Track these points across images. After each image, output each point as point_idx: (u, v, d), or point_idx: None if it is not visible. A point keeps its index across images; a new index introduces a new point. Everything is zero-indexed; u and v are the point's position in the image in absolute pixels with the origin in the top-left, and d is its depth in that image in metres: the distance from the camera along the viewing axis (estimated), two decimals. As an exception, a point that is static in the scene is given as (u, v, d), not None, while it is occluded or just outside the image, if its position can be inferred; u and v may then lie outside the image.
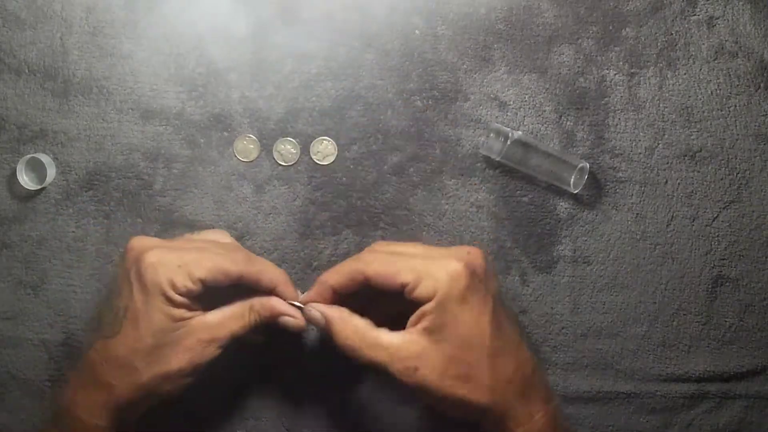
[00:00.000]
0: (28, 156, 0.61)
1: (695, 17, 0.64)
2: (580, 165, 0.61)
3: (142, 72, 0.62)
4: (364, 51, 0.63)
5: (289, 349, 0.62)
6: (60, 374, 0.61)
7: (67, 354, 0.61)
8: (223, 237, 0.59)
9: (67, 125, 0.62)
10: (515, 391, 0.52)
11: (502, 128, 0.61)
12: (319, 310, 0.55)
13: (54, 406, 0.56)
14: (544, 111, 0.63)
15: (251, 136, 0.62)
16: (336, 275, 0.55)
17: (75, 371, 0.55)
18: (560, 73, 0.63)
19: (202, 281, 0.53)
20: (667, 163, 0.63)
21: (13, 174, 0.61)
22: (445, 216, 0.62)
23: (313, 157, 0.62)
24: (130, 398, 0.53)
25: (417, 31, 0.63)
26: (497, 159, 0.62)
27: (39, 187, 0.61)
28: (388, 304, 0.55)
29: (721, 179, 0.63)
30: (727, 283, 0.63)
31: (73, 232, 0.61)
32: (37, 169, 0.61)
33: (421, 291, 0.52)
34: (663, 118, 0.63)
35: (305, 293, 0.56)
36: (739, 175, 0.63)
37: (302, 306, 0.56)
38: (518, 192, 0.63)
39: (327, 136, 0.62)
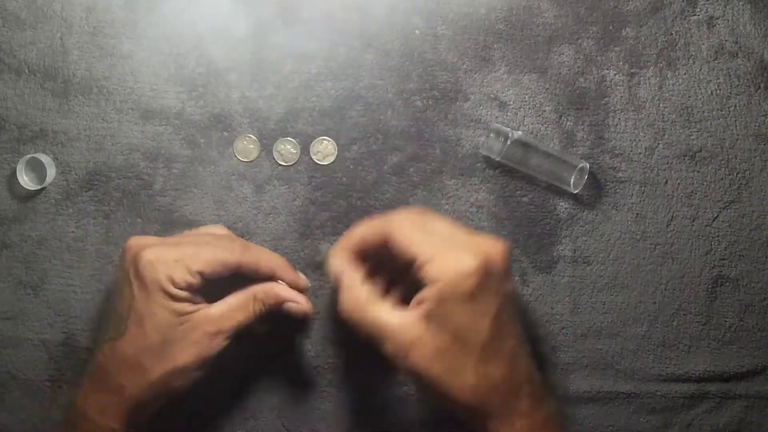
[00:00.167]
0: (28, 156, 0.61)
1: (695, 17, 0.64)
2: (580, 165, 0.61)
3: (142, 72, 0.62)
4: (364, 51, 0.63)
5: (290, 348, 0.62)
6: (60, 374, 0.61)
7: (67, 354, 0.61)
8: (219, 230, 0.59)
9: (67, 125, 0.62)
10: (500, 397, 0.52)
11: (502, 128, 0.61)
12: (337, 268, 0.55)
13: (67, 409, 0.56)
14: (544, 111, 0.63)
15: (251, 136, 0.62)
16: (367, 229, 0.55)
17: (87, 375, 0.55)
18: (560, 73, 0.63)
19: (201, 273, 0.53)
20: (667, 163, 0.63)
21: (13, 174, 0.61)
22: (446, 216, 0.62)
23: (313, 157, 0.62)
24: (142, 397, 0.53)
25: (417, 31, 0.63)
26: (497, 159, 0.62)
27: (39, 187, 0.61)
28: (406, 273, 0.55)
29: (721, 179, 0.63)
30: (727, 283, 0.63)
31: (73, 232, 0.61)
32: (37, 169, 0.61)
33: (427, 272, 0.51)
34: (663, 118, 0.63)
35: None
36: (739, 175, 0.63)
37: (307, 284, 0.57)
38: (518, 192, 0.63)
39: (327, 136, 0.62)
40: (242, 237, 0.62)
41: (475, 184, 0.63)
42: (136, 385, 0.53)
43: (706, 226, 0.63)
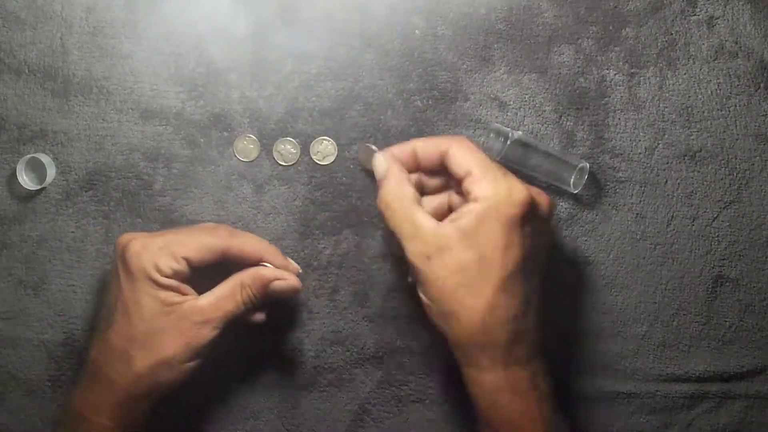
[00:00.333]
0: (28, 156, 0.61)
1: (695, 17, 0.64)
2: (580, 165, 0.61)
3: (142, 72, 0.62)
4: (364, 51, 0.63)
5: (289, 348, 0.62)
6: (60, 374, 0.61)
7: (67, 354, 0.61)
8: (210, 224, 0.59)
9: (67, 125, 0.62)
10: (503, 334, 0.51)
11: (502, 128, 0.61)
12: (387, 160, 0.55)
13: (62, 407, 0.56)
14: (544, 111, 0.63)
15: (251, 136, 0.62)
16: (424, 142, 0.55)
17: (81, 372, 0.55)
18: (560, 73, 0.63)
19: (187, 260, 0.54)
20: (667, 163, 0.63)
21: (13, 174, 0.61)
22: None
23: (313, 157, 0.62)
24: (132, 391, 0.53)
25: (417, 31, 0.63)
26: (497, 159, 0.62)
27: (39, 187, 0.61)
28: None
29: (721, 179, 0.63)
30: (727, 283, 0.63)
31: (73, 232, 0.61)
32: (37, 169, 0.61)
33: (477, 186, 0.51)
34: (663, 118, 0.63)
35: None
36: (739, 175, 0.63)
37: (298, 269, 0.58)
38: (518, 192, 0.63)
39: (327, 136, 0.62)
40: (242, 237, 0.62)
41: (475, 184, 0.63)
42: (124, 378, 0.53)
43: (706, 226, 0.63)
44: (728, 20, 0.64)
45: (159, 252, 0.53)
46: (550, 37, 0.63)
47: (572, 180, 0.61)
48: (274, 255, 0.57)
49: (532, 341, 0.53)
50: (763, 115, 0.63)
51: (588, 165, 0.61)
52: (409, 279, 0.56)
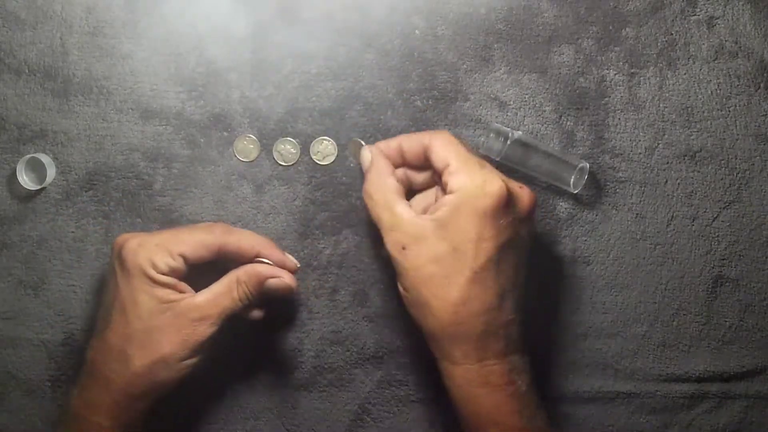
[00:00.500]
0: (28, 156, 0.61)
1: (695, 17, 0.64)
2: (580, 165, 0.61)
3: (142, 72, 0.62)
4: (364, 51, 0.63)
5: (289, 348, 0.62)
6: (60, 374, 0.61)
7: (67, 354, 0.61)
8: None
9: (67, 125, 0.62)
10: (476, 326, 0.52)
11: (502, 128, 0.61)
12: (372, 153, 0.56)
13: (61, 409, 0.56)
14: (544, 111, 0.63)
15: (251, 136, 0.62)
16: (408, 138, 0.56)
17: (80, 372, 0.55)
18: (560, 73, 0.63)
19: (183, 256, 0.54)
20: (667, 163, 0.63)
21: (13, 174, 0.61)
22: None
23: (313, 157, 0.62)
24: (129, 390, 0.53)
25: (417, 31, 0.63)
26: (497, 159, 0.62)
27: (39, 187, 0.61)
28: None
29: (721, 179, 0.63)
30: (727, 283, 0.63)
31: (73, 232, 0.61)
32: (37, 169, 0.61)
33: (453, 178, 0.52)
34: (663, 118, 0.63)
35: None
36: (739, 175, 0.63)
37: (297, 264, 0.58)
38: (518, 192, 0.63)
39: (327, 136, 0.62)
40: (242, 237, 0.62)
41: (475, 184, 0.63)
42: (121, 377, 0.53)
43: (706, 226, 0.63)
44: (728, 20, 0.64)
45: (155, 249, 0.53)
46: (550, 37, 0.63)
47: (572, 180, 0.61)
48: (272, 250, 0.57)
49: (509, 336, 0.53)
50: (763, 115, 0.63)
51: (588, 165, 0.61)
52: (382, 252, 0.57)
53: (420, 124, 0.62)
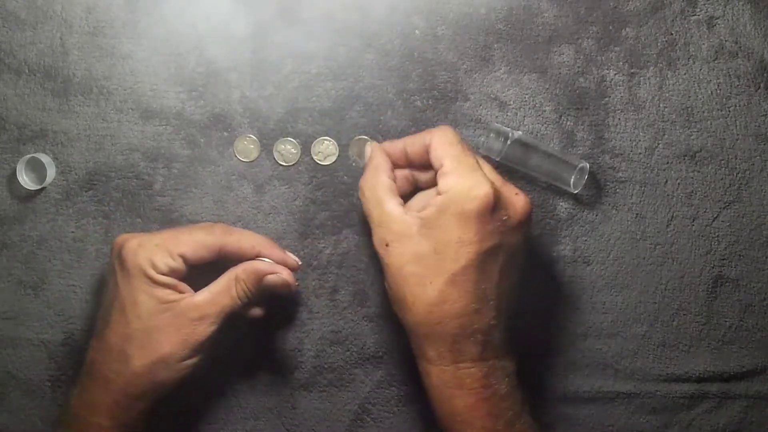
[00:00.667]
0: (28, 156, 0.61)
1: (695, 17, 0.64)
2: (580, 165, 0.61)
3: (142, 72, 0.62)
4: (364, 51, 0.63)
5: (289, 347, 0.62)
6: (60, 374, 0.61)
7: (67, 354, 0.61)
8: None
9: (67, 125, 0.62)
10: (452, 329, 0.51)
11: (502, 128, 0.61)
12: (373, 150, 0.57)
13: (61, 410, 0.56)
14: (544, 111, 0.63)
15: (251, 136, 0.62)
16: (412, 138, 0.56)
17: (80, 372, 0.55)
18: (560, 73, 0.63)
19: (183, 257, 0.54)
20: (667, 163, 0.63)
21: (13, 174, 0.61)
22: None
23: (314, 157, 0.62)
24: (128, 390, 0.53)
25: (417, 31, 0.63)
26: (497, 159, 0.62)
27: (39, 187, 0.61)
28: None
29: (721, 179, 0.63)
30: (727, 283, 0.63)
31: (73, 232, 0.61)
32: (37, 169, 0.61)
33: (444, 179, 0.52)
34: (663, 118, 0.63)
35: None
36: (739, 175, 0.63)
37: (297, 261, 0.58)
38: (518, 192, 0.63)
39: (327, 136, 0.62)
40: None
41: (475, 184, 0.63)
42: (121, 377, 0.53)
43: (706, 226, 0.63)
44: (728, 20, 0.64)
45: (155, 249, 0.53)
46: (550, 37, 0.63)
47: (572, 180, 0.61)
48: (272, 249, 0.57)
49: (487, 341, 0.52)
50: (763, 115, 0.63)
51: (588, 165, 0.61)
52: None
53: (420, 124, 0.62)
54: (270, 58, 0.62)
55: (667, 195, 0.63)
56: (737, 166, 0.63)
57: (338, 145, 0.62)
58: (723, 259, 0.63)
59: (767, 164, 0.63)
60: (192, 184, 0.62)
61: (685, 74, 0.63)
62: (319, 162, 0.62)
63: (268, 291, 0.56)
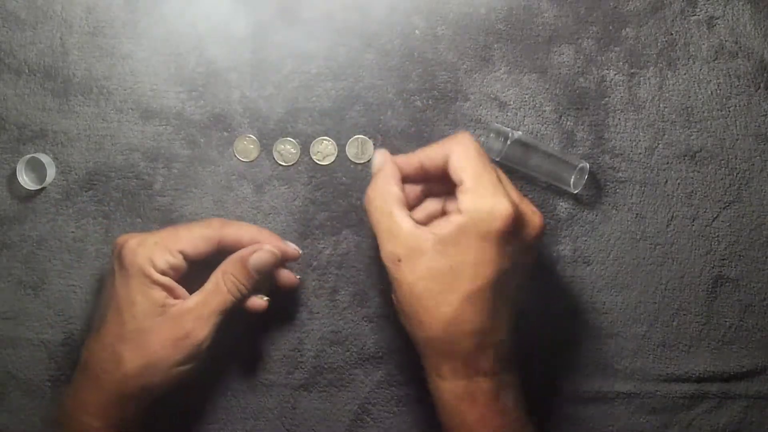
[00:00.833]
0: (28, 156, 0.61)
1: (695, 17, 0.64)
2: (580, 165, 0.61)
3: (142, 72, 0.62)
4: (364, 51, 0.63)
5: (289, 347, 0.62)
6: (60, 374, 0.61)
7: (67, 354, 0.61)
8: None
9: (67, 125, 0.62)
10: (466, 345, 0.51)
11: (502, 128, 0.61)
12: (385, 158, 0.55)
13: (56, 409, 0.56)
14: (544, 111, 0.63)
15: (251, 136, 0.62)
16: (429, 151, 0.54)
17: (75, 370, 0.55)
18: (560, 73, 0.63)
19: (183, 252, 0.54)
20: (667, 163, 0.63)
21: (13, 174, 0.61)
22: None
23: (313, 157, 0.62)
24: (119, 391, 0.53)
25: (417, 31, 0.63)
26: (497, 159, 0.62)
27: (39, 187, 0.61)
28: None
29: (721, 179, 0.63)
30: (727, 283, 0.63)
31: (73, 232, 0.61)
32: (37, 169, 0.61)
33: (464, 197, 0.51)
34: (663, 118, 0.63)
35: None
36: (739, 175, 0.63)
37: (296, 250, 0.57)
38: (518, 192, 0.63)
39: (327, 136, 0.62)
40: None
41: (475, 184, 0.63)
42: (113, 377, 0.52)
43: (706, 226, 0.63)
44: (728, 20, 0.64)
45: (154, 247, 0.53)
46: (550, 37, 0.63)
47: (572, 180, 0.61)
48: (271, 238, 0.57)
49: (500, 355, 0.52)
50: (763, 115, 0.63)
51: (588, 165, 0.61)
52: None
53: (420, 124, 0.62)
54: (270, 58, 0.62)
55: (667, 195, 0.63)
56: (737, 166, 0.63)
57: (337, 145, 0.62)
58: (723, 259, 0.63)
59: (767, 164, 0.63)
60: (192, 184, 0.62)
61: (685, 74, 0.63)
62: (318, 162, 0.62)
63: (259, 274, 0.55)
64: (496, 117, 0.63)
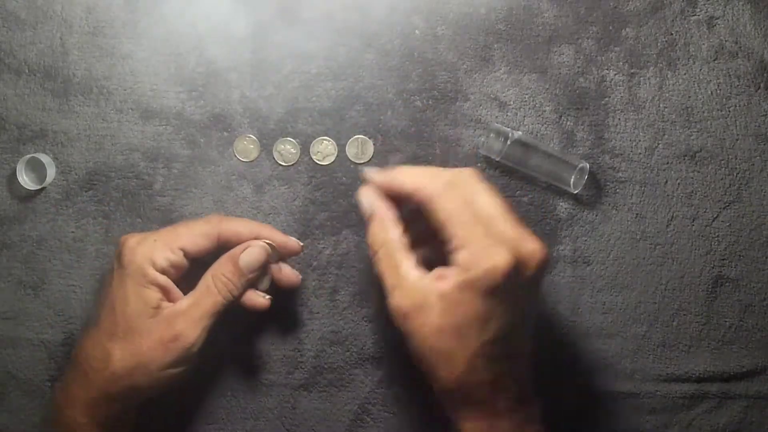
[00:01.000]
0: (28, 156, 0.61)
1: (695, 17, 0.64)
2: (580, 165, 0.61)
3: (142, 72, 0.62)
4: (364, 51, 0.63)
5: (289, 348, 0.62)
6: (60, 374, 0.61)
7: (67, 354, 0.61)
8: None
9: (67, 125, 0.62)
10: (482, 395, 0.50)
11: (502, 128, 0.61)
12: (371, 200, 0.53)
13: (49, 403, 0.56)
14: (544, 111, 0.63)
15: (251, 136, 0.62)
16: (408, 179, 0.51)
17: (67, 367, 0.55)
18: (560, 73, 0.63)
19: (183, 249, 0.54)
20: (667, 163, 0.63)
21: (13, 174, 0.61)
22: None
23: (313, 157, 0.62)
24: (106, 389, 0.52)
25: (417, 31, 0.63)
26: (497, 159, 0.62)
27: (39, 187, 0.61)
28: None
29: (721, 179, 0.63)
30: (727, 283, 0.63)
31: (73, 232, 0.61)
32: (37, 169, 0.61)
33: (458, 257, 0.49)
34: (663, 118, 0.63)
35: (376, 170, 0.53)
36: (739, 175, 0.63)
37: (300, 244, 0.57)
38: (518, 192, 0.63)
39: (327, 136, 0.62)
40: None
41: (475, 184, 0.63)
42: (101, 375, 0.52)
43: (706, 226, 0.63)
44: (728, 20, 0.64)
45: (154, 245, 0.53)
46: (550, 37, 0.63)
47: (572, 180, 0.61)
48: (271, 232, 0.57)
49: (518, 394, 0.51)
50: (763, 115, 0.63)
51: (588, 165, 0.61)
52: (383, 306, 0.54)
53: (420, 124, 0.62)
54: (270, 58, 0.62)
55: (667, 195, 0.63)
56: (737, 166, 0.63)
57: (337, 145, 0.62)
58: (723, 259, 0.63)
59: (767, 164, 0.63)
60: (192, 184, 0.62)
61: (685, 74, 0.63)
62: (318, 162, 0.62)
63: (253, 273, 0.55)
64: (496, 117, 0.63)
